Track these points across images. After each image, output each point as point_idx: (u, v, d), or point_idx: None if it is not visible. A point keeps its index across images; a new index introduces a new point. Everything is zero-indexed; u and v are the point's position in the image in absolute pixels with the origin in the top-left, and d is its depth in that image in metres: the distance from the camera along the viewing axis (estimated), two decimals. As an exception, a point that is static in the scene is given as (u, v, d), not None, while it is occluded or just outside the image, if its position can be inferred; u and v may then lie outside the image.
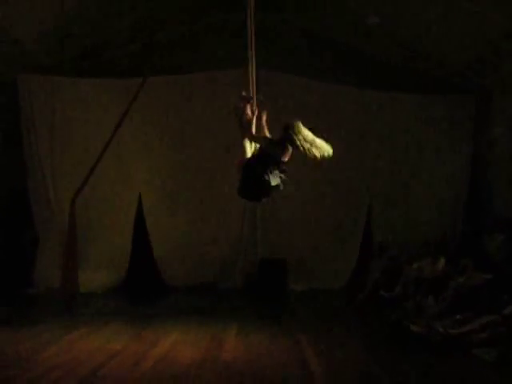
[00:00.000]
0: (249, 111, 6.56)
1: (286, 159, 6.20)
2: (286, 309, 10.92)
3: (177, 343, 7.39)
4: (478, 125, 12.43)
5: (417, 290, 9.26)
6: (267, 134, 6.57)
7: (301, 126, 6.20)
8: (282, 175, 6.17)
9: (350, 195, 12.54)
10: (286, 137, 6.13)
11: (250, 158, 6.26)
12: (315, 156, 6.10)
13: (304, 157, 11.41)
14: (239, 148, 6.42)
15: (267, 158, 6.13)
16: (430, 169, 12.57)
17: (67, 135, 11.98)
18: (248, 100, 6.61)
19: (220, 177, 12.10)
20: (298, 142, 6.07)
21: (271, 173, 6.05)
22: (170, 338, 7.65)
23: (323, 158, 6.17)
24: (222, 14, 11.95)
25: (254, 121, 6.53)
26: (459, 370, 6.32)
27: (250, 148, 6.37)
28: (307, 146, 6.09)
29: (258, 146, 6.37)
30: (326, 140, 6.28)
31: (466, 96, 12.53)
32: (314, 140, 6.15)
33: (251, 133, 6.44)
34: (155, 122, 12.16)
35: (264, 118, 6.65)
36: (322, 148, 6.18)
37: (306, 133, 6.16)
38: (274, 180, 6.08)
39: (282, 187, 6.20)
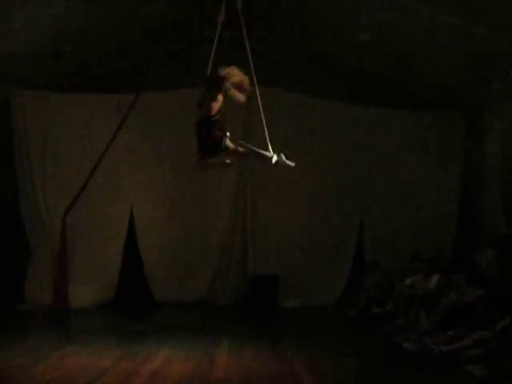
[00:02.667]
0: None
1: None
2: (278, 325, 10.88)
3: (168, 360, 7.34)
4: (468, 141, 12.49)
5: (409, 306, 9.25)
6: None
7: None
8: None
9: (341, 211, 12.53)
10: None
11: None
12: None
13: (299, 174, 11.57)
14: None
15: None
16: (422, 185, 12.60)
17: (59, 151, 11.93)
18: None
19: (212, 193, 12.09)
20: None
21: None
22: (161, 354, 7.61)
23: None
24: (212, 30, 11.97)
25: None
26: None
27: None
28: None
29: None
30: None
31: (456, 112, 12.58)
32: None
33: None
34: (147, 138, 12.14)
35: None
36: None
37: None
38: None
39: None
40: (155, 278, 12.24)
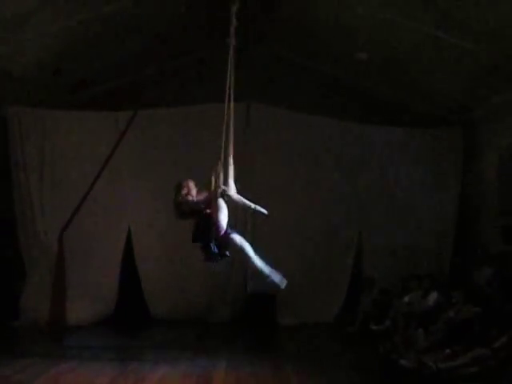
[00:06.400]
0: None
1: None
2: (275, 343, 10.85)
3: (165, 378, 7.32)
4: (466, 157, 12.51)
5: (407, 324, 9.23)
6: None
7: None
8: None
9: (338, 229, 12.51)
10: None
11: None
12: None
13: (297, 192, 11.63)
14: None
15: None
16: (419, 202, 12.59)
17: (57, 168, 11.94)
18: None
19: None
20: None
21: None
22: (158, 372, 7.57)
23: None
24: (211, 48, 12.06)
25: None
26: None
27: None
28: None
29: None
30: None
31: (453, 129, 12.62)
32: None
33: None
34: (145, 155, 12.16)
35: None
36: None
37: None
38: None
39: None
40: (153, 294, 12.21)
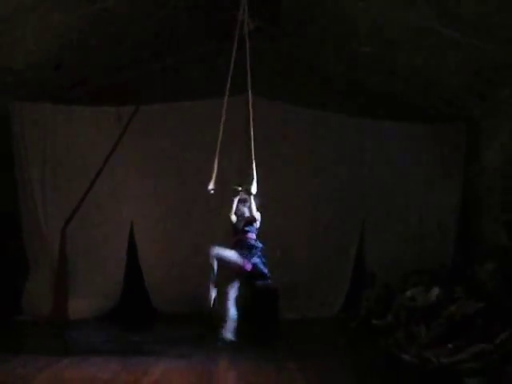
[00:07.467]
0: None
1: None
2: (278, 337, 10.86)
3: (167, 372, 7.31)
4: (468, 153, 12.51)
5: (409, 319, 9.24)
6: None
7: None
8: None
9: (341, 224, 12.53)
10: None
11: None
12: None
13: (300, 188, 11.69)
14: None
15: None
16: (421, 197, 12.61)
17: (59, 163, 11.95)
18: None
19: (214, 206, 12.05)
20: None
21: None
22: (161, 366, 7.57)
23: None
24: (215, 43, 12.04)
25: None
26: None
27: None
28: None
29: None
30: None
31: (456, 124, 12.61)
32: None
33: None
34: (147, 150, 12.15)
35: None
36: None
37: None
38: None
39: None
40: (155, 289, 12.23)
